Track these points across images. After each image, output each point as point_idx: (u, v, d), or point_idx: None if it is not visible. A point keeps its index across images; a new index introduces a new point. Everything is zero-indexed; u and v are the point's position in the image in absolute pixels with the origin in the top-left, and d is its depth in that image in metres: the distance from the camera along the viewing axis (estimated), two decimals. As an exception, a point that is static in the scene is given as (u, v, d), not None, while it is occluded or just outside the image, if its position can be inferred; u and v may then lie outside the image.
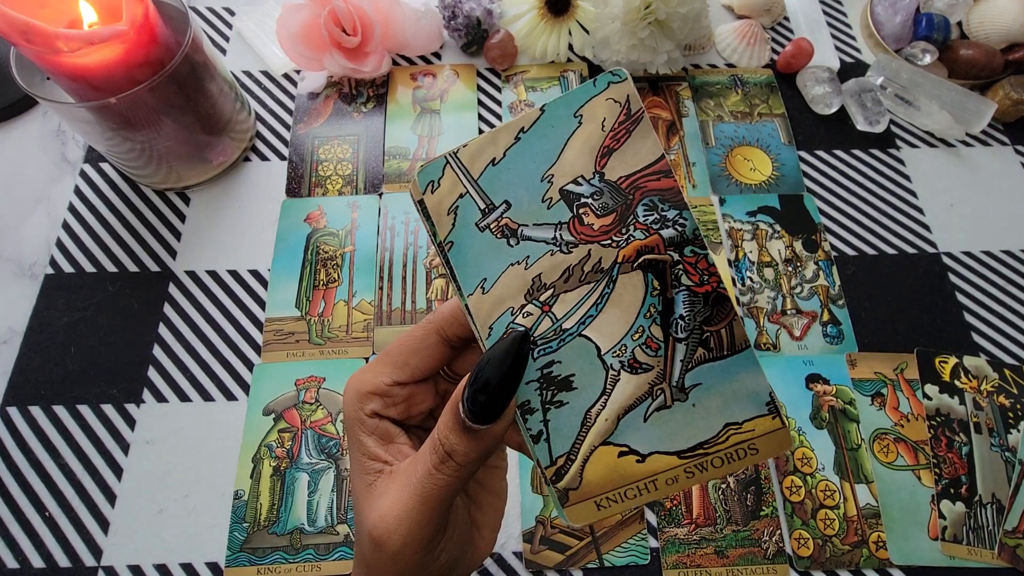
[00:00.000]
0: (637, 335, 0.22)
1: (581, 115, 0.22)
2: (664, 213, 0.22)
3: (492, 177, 0.22)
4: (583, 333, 0.22)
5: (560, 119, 0.22)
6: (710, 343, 0.22)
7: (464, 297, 0.22)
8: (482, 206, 0.22)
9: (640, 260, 0.22)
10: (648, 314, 0.22)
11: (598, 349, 0.22)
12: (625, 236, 0.22)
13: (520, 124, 0.22)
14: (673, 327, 0.22)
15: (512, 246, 0.22)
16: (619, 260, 0.22)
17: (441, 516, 0.21)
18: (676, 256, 0.22)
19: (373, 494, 0.22)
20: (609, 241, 0.22)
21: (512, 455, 0.41)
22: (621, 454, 0.22)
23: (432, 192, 0.22)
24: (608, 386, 0.22)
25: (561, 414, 0.22)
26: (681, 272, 0.22)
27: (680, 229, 0.22)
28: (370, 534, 0.21)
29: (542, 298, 0.22)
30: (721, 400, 0.22)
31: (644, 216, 0.22)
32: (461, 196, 0.22)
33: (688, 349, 0.22)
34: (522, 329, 0.22)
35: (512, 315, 0.22)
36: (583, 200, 0.22)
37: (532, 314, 0.22)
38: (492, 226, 0.22)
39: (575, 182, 0.22)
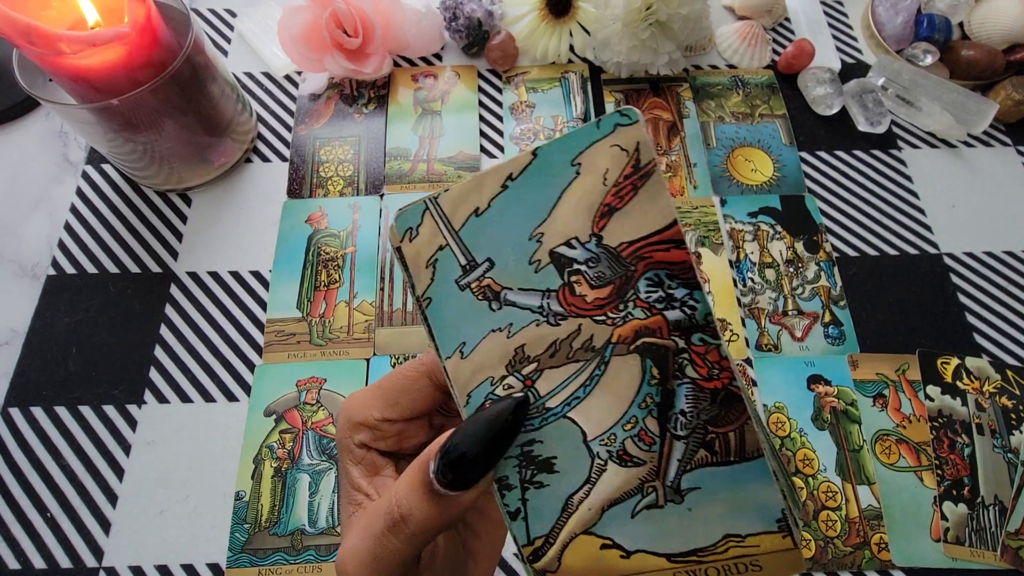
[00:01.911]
0: (629, 426, 0.19)
1: (580, 163, 0.19)
2: (671, 291, 0.19)
3: (475, 229, 0.20)
4: (568, 415, 0.19)
5: (554, 166, 0.19)
6: (714, 446, 0.19)
7: (443, 360, 0.20)
8: (463, 262, 0.20)
9: (638, 343, 0.19)
10: (644, 404, 0.19)
11: (584, 434, 0.19)
12: (623, 313, 0.19)
13: (508, 170, 0.19)
14: (672, 422, 0.19)
15: (494, 310, 0.20)
16: (614, 340, 0.19)
17: (401, 571, 0.20)
18: (681, 343, 0.19)
19: (349, 525, 0.21)
20: (604, 317, 0.19)
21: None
22: (604, 546, 0.19)
23: (411, 240, 0.20)
24: (593, 475, 0.19)
25: (541, 495, 0.19)
26: (686, 362, 0.19)
27: (689, 312, 0.19)
28: (336, 568, 0.21)
29: (524, 371, 0.19)
30: (723, 508, 0.19)
31: (647, 292, 0.19)
32: (440, 248, 0.20)
33: (688, 449, 0.19)
34: (520, 396, 0.19)
35: (492, 385, 0.20)
36: (576, 267, 0.19)
37: (513, 387, 0.20)
38: (473, 286, 0.20)
39: (568, 244, 0.19)
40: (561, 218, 0.19)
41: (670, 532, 0.19)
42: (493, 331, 0.20)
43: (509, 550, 0.39)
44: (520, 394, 0.19)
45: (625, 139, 0.19)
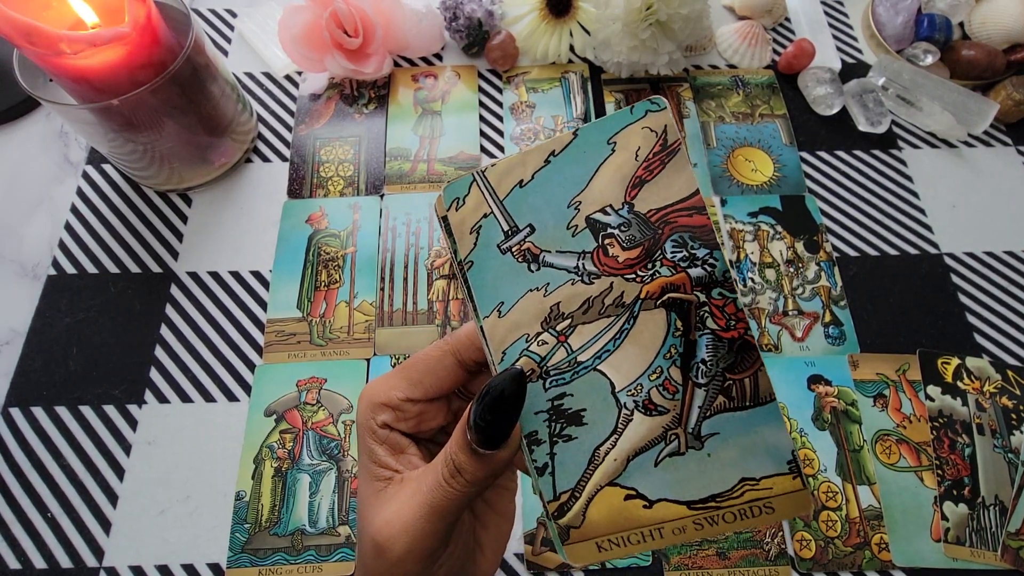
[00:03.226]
0: (655, 375, 0.21)
1: (615, 142, 0.22)
2: (694, 251, 0.21)
3: (518, 199, 0.22)
4: (598, 368, 0.21)
5: (592, 145, 0.22)
6: (732, 392, 0.21)
7: (480, 319, 0.22)
8: (505, 228, 0.22)
9: (664, 298, 0.21)
10: (668, 355, 0.21)
11: (612, 386, 0.21)
12: (650, 271, 0.21)
13: (551, 147, 0.22)
14: (693, 371, 0.21)
15: (532, 271, 0.22)
16: (642, 296, 0.21)
17: (446, 529, 0.21)
18: (703, 297, 0.21)
19: (381, 499, 0.22)
20: (633, 275, 0.21)
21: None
22: (628, 497, 0.21)
23: (456, 209, 0.22)
24: (620, 425, 0.21)
25: (569, 448, 0.21)
26: (707, 315, 0.21)
27: (709, 269, 0.21)
28: (373, 539, 0.21)
29: (559, 327, 0.21)
30: (738, 453, 0.20)
31: (672, 252, 0.21)
32: (485, 216, 0.22)
33: (708, 396, 0.21)
34: (517, 369, 0.20)
35: (527, 342, 0.21)
36: (610, 230, 0.21)
37: (547, 343, 0.21)
38: (514, 249, 0.22)
39: (603, 211, 0.22)
40: (597, 188, 0.22)
41: (690, 479, 0.21)
42: (531, 291, 0.22)
43: (511, 550, 0.39)
44: (518, 367, 0.21)
45: (655, 122, 0.22)
